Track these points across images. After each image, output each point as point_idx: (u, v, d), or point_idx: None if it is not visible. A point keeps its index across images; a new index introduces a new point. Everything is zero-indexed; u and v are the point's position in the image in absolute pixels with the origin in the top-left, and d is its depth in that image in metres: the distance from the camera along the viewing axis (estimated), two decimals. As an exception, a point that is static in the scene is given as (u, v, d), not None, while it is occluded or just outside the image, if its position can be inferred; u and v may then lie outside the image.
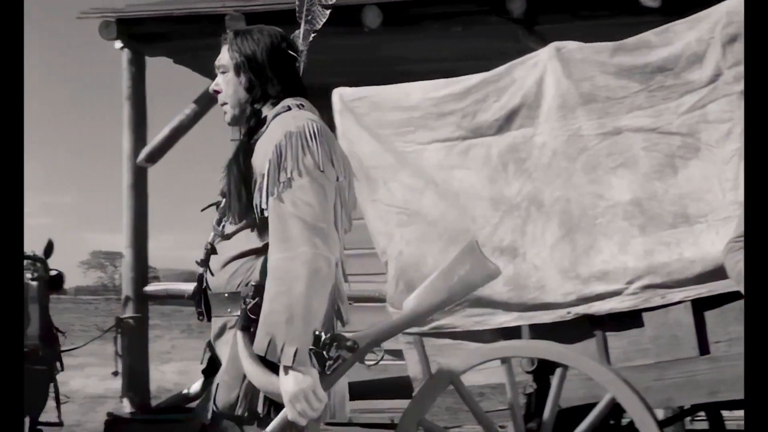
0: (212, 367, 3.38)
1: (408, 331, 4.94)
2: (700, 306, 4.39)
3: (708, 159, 4.36)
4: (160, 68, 10.48)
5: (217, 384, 3.27)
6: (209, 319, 3.37)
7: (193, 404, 6.46)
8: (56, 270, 8.27)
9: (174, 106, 9.91)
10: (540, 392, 4.67)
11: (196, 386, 8.76)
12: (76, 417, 11.89)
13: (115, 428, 9.03)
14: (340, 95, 5.17)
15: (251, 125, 3.34)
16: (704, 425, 5.74)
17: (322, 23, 3.76)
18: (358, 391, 9.53)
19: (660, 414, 5.28)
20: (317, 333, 2.97)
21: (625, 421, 5.01)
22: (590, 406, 4.41)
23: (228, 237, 3.28)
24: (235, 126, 3.45)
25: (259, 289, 3.11)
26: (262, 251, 3.18)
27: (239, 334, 3.13)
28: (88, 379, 15.29)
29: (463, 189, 4.86)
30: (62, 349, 8.42)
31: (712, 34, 4.36)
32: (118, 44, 9.24)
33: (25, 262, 7.98)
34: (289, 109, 3.29)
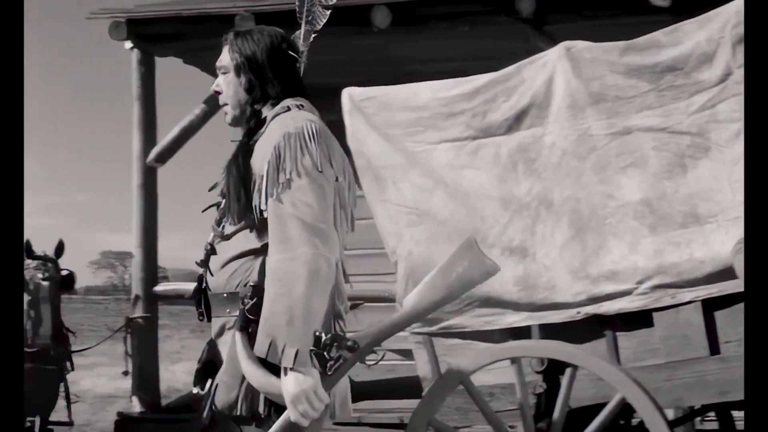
0: (212, 367, 3.40)
1: (417, 330, 4.96)
2: (711, 306, 4.38)
3: (718, 159, 4.35)
4: (169, 68, 10.50)
5: (217, 384, 3.29)
6: (209, 320, 3.38)
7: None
8: (67, 270, 8.30)
9: (183, 106, 9.92)
10: (550, 392, 4.66)
11: (207, 386, 8.78)
12: (86, 416, 11.91)
13: (125, 428, 9.05)
14: (350, 95, 5.17)
15: (251, 126, 3.35)
16: (714, 425, 5.72)
17: (322, 24, 3.76)
18: (368, 391, 9.56)
19: (670, 414, 5.27)
20: (318, 334, 2.97)
21: (635, 422, 5.00)
22: (600, 406, 4.40)
23: (227, 237, 3.28)
24: (236, 126, 3.46)
25: (257, 290, 3.12)
26: (261, 252, 3.19)
27: (237, 335, 3.13)
28: (99, 378, 15.31)
29: (473, 189, 4.85)
30: (73, 349, 8.45)
31: (722, 34, 4.35)
32: (128, 44, 9.26)
33: (37, 262, 8.01)
34: (289, 109, 3.29)
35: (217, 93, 3.43)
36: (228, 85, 3.39)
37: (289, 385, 2.95)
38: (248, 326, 3.11)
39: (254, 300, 3.11)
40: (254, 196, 3.17)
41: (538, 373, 4.73)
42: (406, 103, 5.04)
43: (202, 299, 3.38)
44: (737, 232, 4.15)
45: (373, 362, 3.17)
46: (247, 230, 3.23)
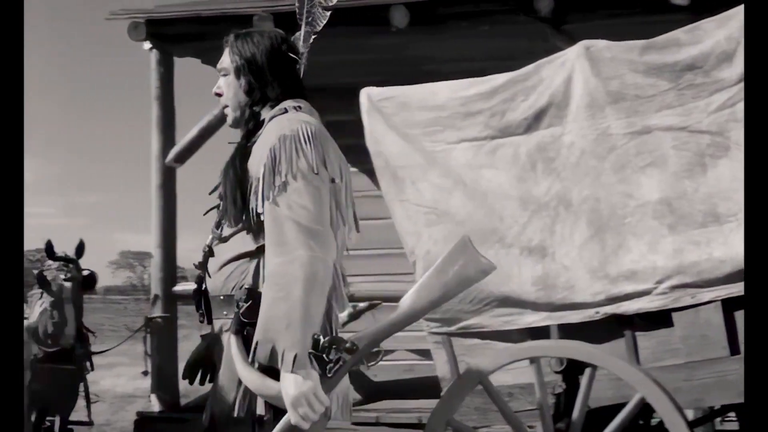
0: (205, 362, 3.43)
1: (436, 331, 4.96)
2: (731, 306, 4.36)
3: (737, 158, 4.33)
4: (188, 69, 10.53)
5: (215, 387, 3.30)
6: (210, 322, 3.39)
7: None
8: (88, 270, 8.32)
9: (202, 107, 9.91)
10: (569, 392, 4.65)
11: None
12: (105, 416, 11.96)
13: (144, 427, 9.08)
14: (368, 95, 5.17)
15: (249, 128, 3.34)
16: (735, 426, 5.70)
17: (322, 25, 3.75)
18: (387, 391, 9.54)
19: (690, 414, 5.25)
20: (316, 336, 2.96)
21: (654, 422, 4.98)
22: (619, 407, 4.40)
23: (225, 240, 3.29)
24: (237, 128, 3.46)
25: (251, 293, 3.13)
26: (256, 254, 3.19)
27: (232, 338, 3.13)
28: (118, 378, 15.36)
29: (492, 188, 4.85)
30: (93, 349, 8.48)
31: (742, 32, 4.33)
32: (147, 45, 9.29)
33: (58, 263, 8.04)
34: (286, 111, 3.29)
35: (218, 95, 3.44)
36: (228, 86, 3.40)
37: (288, 388, 2.94)
38: (243, 329, 3.11)
39: (249, 303, 3.11)
40: (251, 198, 3.16)
41: (557, 373, 4.72)
42: (425, 102, 5.03)
43: (202, 301, 3.39)
44: (757, 231, 4.13)
45: (372, 363, 3.16)
46: (244, 232, 3.22)
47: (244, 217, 3.20)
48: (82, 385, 8.26)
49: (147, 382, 9.83)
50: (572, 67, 4.71)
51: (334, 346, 2.98)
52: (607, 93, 4.62)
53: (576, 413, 4.44)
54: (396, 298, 3.15)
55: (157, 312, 9.43)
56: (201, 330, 3.46)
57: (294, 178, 3.08)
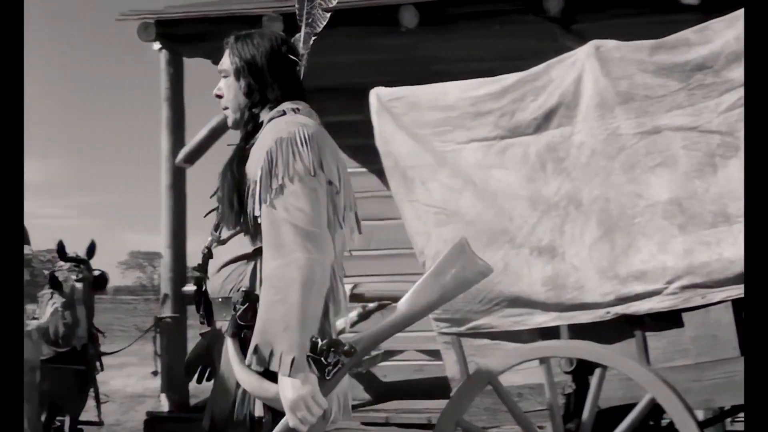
0: (204, 360, 3.44)
1: (446, 331, 4.95)
2: (741, 306, 4.35)
3: (748, 158, 4.32)
4: (197, 69, 10.52)
5: (214, 389, 3.30)
6: (210, 324, 3.39)
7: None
8: (99, 270, 8.34)
9: (211, 107, 9.88)
10: (579, 393, 4.65)
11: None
12: (115, 416, 11.98)
13: (154, 427, 9.09)
14: (378, 95, 5.16)
15: (248, 130, 3.34)
16: (745, 426, 5.68)
17: (322, 26, 3.73)
18: (396, 392, 9.53)
19: (700, 415, 5.24)
20: (314, 339, 2.96)
21: (664, 422, 4.97)
22: (630, 407, 4.39)
23: (223, 242, 3.28)
24: (237, 130, 3.45)
25: (248, 295, 3.13)
26: (253, 256, 3.19)
27: (229, 341, 3.14)
28: (128, 378, 15.39)
29: (501, 189, 4.84)
30: (103, 350, 8.50)
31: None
32: (157, 46, 9.30)
33: (69, 264, 8.06)
34: (284, 113, 3.28)
35: (219, 96, 3.44)
36: (228, 88, 3.39)
37: (287, 391, 2.94)
38: (240, 332, 3.11)
39: (246, 306, 3.11)
40: (248, 202, 3.16)
41: (567, 373, 4.72)
42: (435, 102, 5.03)
43: (201, 303, 3.40)
44: (767, 231, 4.12)
45: (370, 366, 3.16)
46: (242, 234, 3.22)
47: (241, 220, 3.19)
48: (91, 385, 8.29)
49: (157, 382, 9.85)
50: (582, 67, 4.70)
51: (332, 349, 2.97)
52: (616, 93, 4.61)
53: (586, 413, 4.44)
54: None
55: (167, 312, 9.44)
56: (202, 329, 3.47)
57: (291, 181, 3.07)
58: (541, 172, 4.77)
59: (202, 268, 3.37)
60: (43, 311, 7.86)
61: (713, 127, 4.43)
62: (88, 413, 8.49)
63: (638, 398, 4.35)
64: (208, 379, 3.46)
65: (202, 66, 9.99)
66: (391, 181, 5.13)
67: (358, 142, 6.88)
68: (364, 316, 8.10)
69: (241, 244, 3.22)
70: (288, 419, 2.97)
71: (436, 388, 6.06)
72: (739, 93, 4.37)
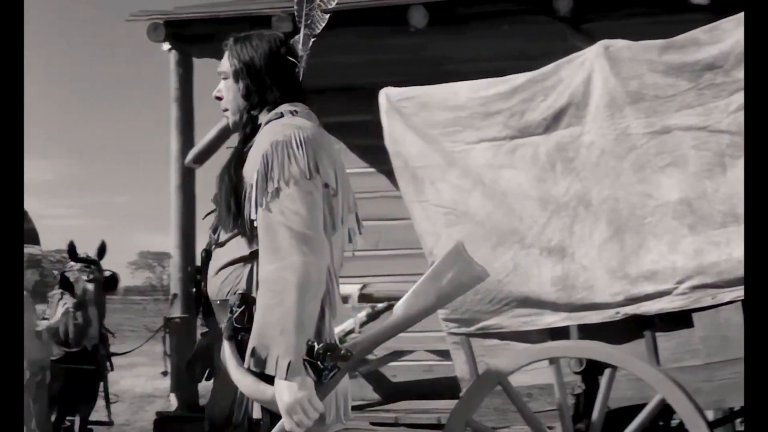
0: (205, 359, 3.44)
1: (455, 331, 4.95)
2: (751, 306, 4.35)
3: (758, 158, 4.32)
4: (207, 70, 10.54)
5: (212, 391, 3.30)
6: (209, 325, 3.39)
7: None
8: (110, 271, 8.37)
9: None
10: (588, 393, 4.65)
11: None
12: (125, 416, 12.02)
13: (164, 427, 9.11)
14: (387, 95, 5.16)
15: (246, 132, 3.32)
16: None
17: (321, 28, 3.71)
18: (406, 392, 9.52)
19: (710, 415, 5.23)
20: (310, 343, 2.95)
21: (674, 423, 4.97)
22: (639, 407, 4.38)
23: (221, 245, 3.27)
24: (236, 132, 3.45)
25: (245, 298, 3.12)
26: (249, 259, 3.18)
27: (226, 344, 3.13)
28: (137, 378, 15.42)
29: (511, 189, 4.84)
30: (114, 351, 8.53)
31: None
32: (166, 46, 9.32)
33: (80, 264, 8.08)
34: (282, 116, 3.26)
35: (218, 98, 3.43)
36: (228, 90, 3.38)
37: (283, 394, 2.93)
38: (237, 335, 3.10)
39: (242, 308, 3.11)
40: (245, 205, 3.15)
41: (576, 373, 4.71)
42: (445, 102, 5.03)
43: (200, 304, 3.40)
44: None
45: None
46: (239, 237, 3.21)
47: (238, 223, 3.18)
48: (101, 385, 8.31)
49: (166, 382, 9.87)
50: (591, 67, 4.70)
51: (328, 353, 2.96)
52: (626, 93, 4.60)
53: (596, 414, 4.43)
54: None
55: (177, 312, 9.45)
56: (202, 330, 3.47)
57: (286, 184, 3.06)
58: (550, 172, 4.77)
59: (201, 270, 3.37)
60: (53, 312, 7.89)
61: (723, 127, 4.42)
62: (98, 413, 8.52)
63: (648, 399, 4.34)
64: (207, 379, 3.46)
65: (212, 66, 9.97)
66: (400, 181, 5.13)
67: (368, 142, 6.90)
68: (373, 317, 8.10)
69: (239, 246, 3.20)
70: (284, 422, 2.97)
71: (445, 388, 6.07)
72: (749, 93, 4.37)
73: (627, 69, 4.62)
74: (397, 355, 8.89)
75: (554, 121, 4.77)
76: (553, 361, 4.53)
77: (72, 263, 8.22)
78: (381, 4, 8.34)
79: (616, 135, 4.62)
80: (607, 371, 4.42)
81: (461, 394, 4.80)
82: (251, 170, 3.14)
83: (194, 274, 3.39)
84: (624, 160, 4.60)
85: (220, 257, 3.27)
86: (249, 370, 3.00)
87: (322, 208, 3.13)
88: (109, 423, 8.59)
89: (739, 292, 4.33)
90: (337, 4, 3.76)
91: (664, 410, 4.41)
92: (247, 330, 3.04)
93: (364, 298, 7.77)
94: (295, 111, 3.29)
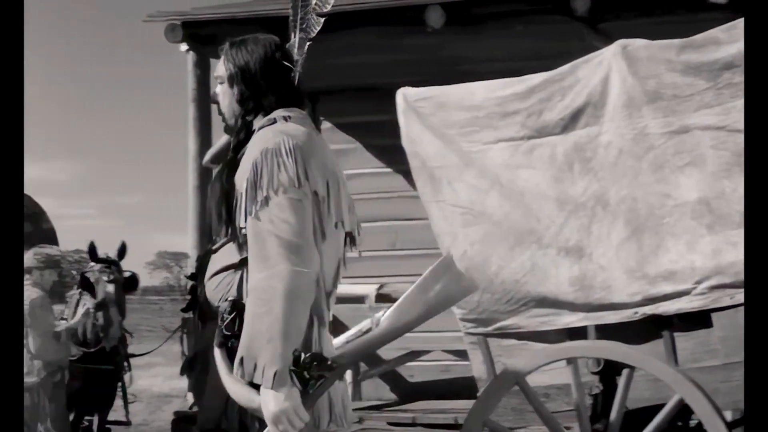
0: (201, 359, 3.41)
1: (472, 331, 4.95)
2: None
3: (777, 157, 4.30)
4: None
5: (204, 397, 3.30)
6: (204, 329, 3.38)
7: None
8: (130, 271, 8.39)
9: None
10: (606, 393, 4.64)
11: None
12: (143, 416, 12.05)
13: (181, 427, 9.12)
14: (404, 95, 5.17)
15: (240, 138, 3.30)
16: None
17: (317, 31, 3.70)
18: (423, 392, 9.50)
19: (728, 416, 5.21)
20: (297, 353, 2.94)
21: (692, 423, 4.95)
22: (657, 408, 4.37)
23: (215, 251, 3.28)
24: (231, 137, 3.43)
25: (235, 305, 3.11)
26: (240, 266, 3.17)
27: (216, 351, 3.13)
28: (155, 378, 15.46)
29: (528, 189, 4.83)
30: (132, 351, 8.56)
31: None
32: (184, 47, 9.34)
33: (101, 265, 8.11)
34: (275, 121, 3.24)
35: (215, 102, 3.42)
36: (224, 95, 3.36)
37: (269, 404, 2.92)
38: (227, 342, 3.10)
39: (233, 315, 3.11)
40: (236, 213, 3.13)
41: (594, 374, 4.70)
42: (462, 102, 5.03)
43: (196, 310, 3.40)
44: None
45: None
46: (232, 243, 3.19)
47: (229, 230, 3.17)
48: (119, 385, 8.34)
49: (184, 382, 9.87)
50: (609, 67, 4.69)
51: (315, 363, 2.96)
52: (644, 92, 4.59)
53: (614, 414, 4.42)
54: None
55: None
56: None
57: (275, 193, 3.05)
58: (568, 172, 4.76)
59: (196, 276, 3.38)
60: (72, 312, 7.92)
61: (741, 127, 4.40)
62: (116, 413, 8.55)
63: (666, 399, 4.33)
64: (202, 383, 3.45)
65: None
66: (417, 181, 5.12)
67: (385, 142, 6.88)
68: (389, 317, 8.09)
69: (231, 253, 3.19)
70: (270, 431, 2.96)
71: (463, 388, 6.06)
72: None
73: (645, 68, 4.61)
74: (414, 355, 8.89)
75: (572, 121, 4.76)
76: (571, 361, 4.52)
77: (92, 264, 8.25)
78: (398, 4, 8.34)
79: (634, 135, 4.61)
80: (625, 371, 4.41)
81: (478, 394, 4.80)
82: (242, 178, 3.13)
83: (193, 281, 3.37)
84: (642, 160, 4.59)
85: (214, 263, 3.27)
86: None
87: (311, 217, 3.11)
88: (127, 423, 8.62)
89: (757, 293, 4.32)
90: (348, 5, 3.75)
91: (683, 410, 4.40)
92: (237, 337, 3.03)
93: (381, 298, 7.75)
94: (289, 116, 3.26)
